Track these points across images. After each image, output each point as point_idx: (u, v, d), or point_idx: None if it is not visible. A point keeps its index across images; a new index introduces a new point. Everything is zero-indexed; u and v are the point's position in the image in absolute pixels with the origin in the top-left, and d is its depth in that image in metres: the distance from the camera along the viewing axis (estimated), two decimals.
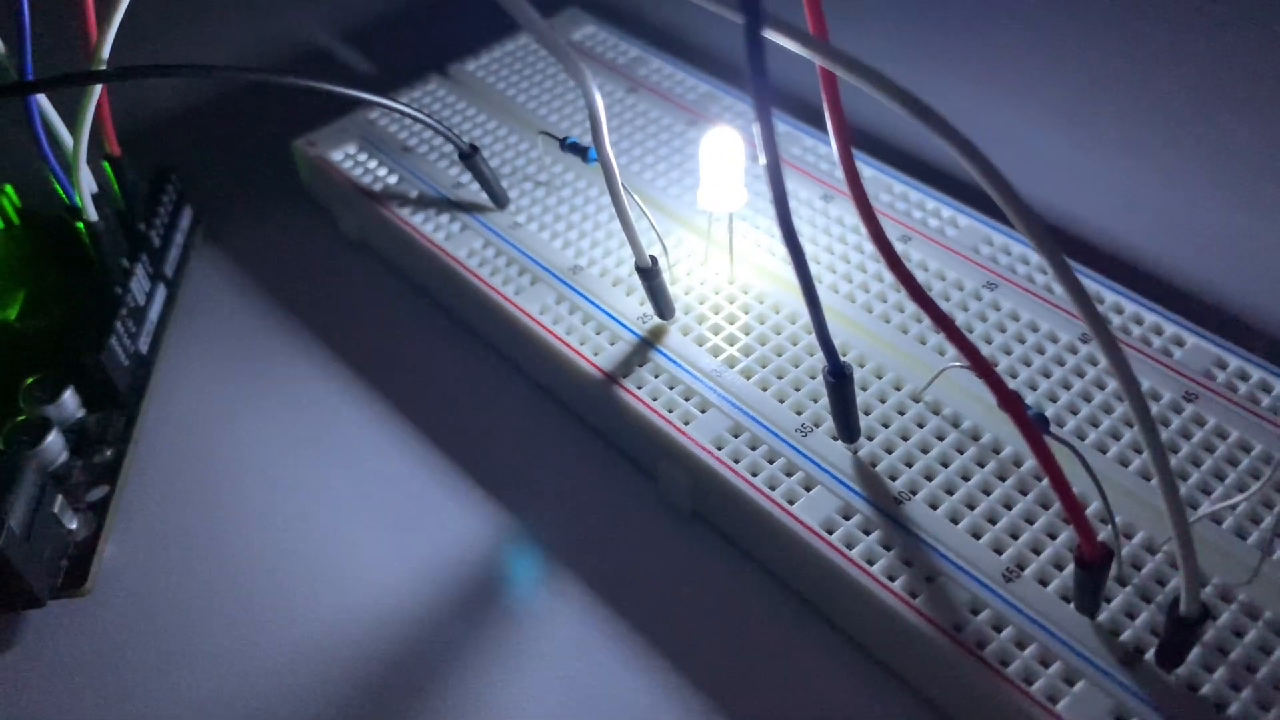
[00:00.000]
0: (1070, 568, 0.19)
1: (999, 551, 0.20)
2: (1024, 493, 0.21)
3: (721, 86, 0.30)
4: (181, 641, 0.21)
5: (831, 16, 0.16)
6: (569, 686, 0.20)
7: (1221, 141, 0.30)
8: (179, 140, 0.33)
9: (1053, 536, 0.20)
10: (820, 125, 0.20)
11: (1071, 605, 0.19)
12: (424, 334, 0.27)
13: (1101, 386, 0.22)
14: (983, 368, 0.17)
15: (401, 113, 0.26)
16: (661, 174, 0.28)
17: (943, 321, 0.17)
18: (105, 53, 0.21)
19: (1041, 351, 0.23)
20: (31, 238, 0.28)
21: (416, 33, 0.36)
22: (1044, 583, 0.19)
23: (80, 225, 0.24)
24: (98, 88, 0.22)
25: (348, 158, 0.29)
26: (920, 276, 0.25)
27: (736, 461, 0.21)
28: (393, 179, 0.28)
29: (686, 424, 0.22)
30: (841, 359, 0.20)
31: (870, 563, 0.20)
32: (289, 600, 0.22)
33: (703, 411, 0.22)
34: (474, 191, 0.27)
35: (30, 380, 0.24)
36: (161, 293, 0.27)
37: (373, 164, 0.29)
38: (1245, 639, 0.18)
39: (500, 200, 0.27)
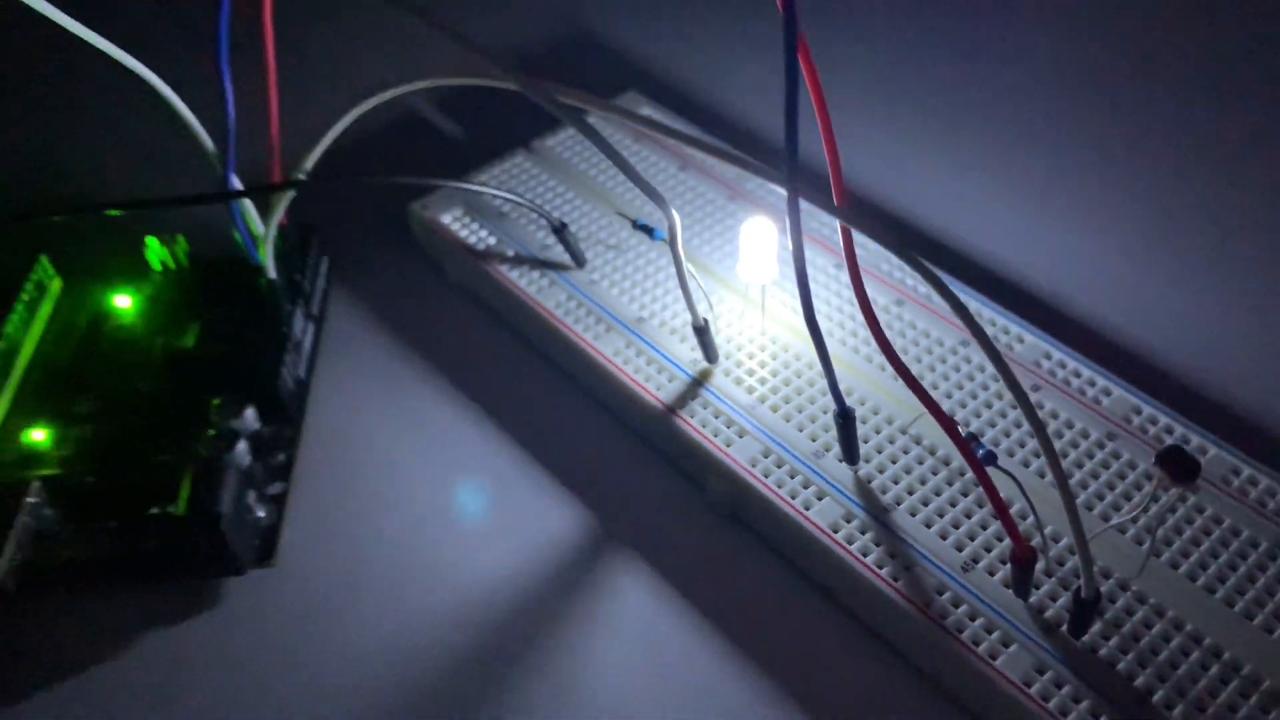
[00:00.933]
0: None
1: (959, 549, 0.27)
2: (980, 507, 0.28)
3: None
4: (346, 603, 0.28)
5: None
6: (635, 648, 0.27)
7: (1162, 225, 0.37)
8: (312, 197, 0.39)
9: (1000, 539, 0.27)
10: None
11: (1010, 590, 0.26)
12: (514, 364, 0.34)
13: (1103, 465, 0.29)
14: (941, 418, 0.23)
15: (505, 198, 0.33)
16: (706, 241, 0.35)
17: (910, 380, 0.24)
18: (310, 163, 0.28)
19: (1001, 397, 0.30)
20: (200, 279, 0.35)
21: (501, 104, 0.43)
22: (991, 573, 0.26)
23: (263, 281, 0.31)
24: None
25: (455, 220, 0.36)
26: (909, 333, 0.32)
27: (766, 476, 0.28)
28: (492, 240, 0.35)
29: (729, 446, 0.29)
30: (846, 402, 0.27)
31: (865, 555, 0.27)
32: (423, 572, 0.29)
33: (740, 437, 0.29)
34: (558, 253, 0.34)
35: (217, 401, 0.31)
36: (311, 328, 0.34)
37: (475, 226, 0.36)
38: (1134, 617, 0.25)
39: (580, 261, 0.34)
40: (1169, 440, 0.29)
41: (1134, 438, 0.29)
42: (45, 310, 0.35)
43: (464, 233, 0.35)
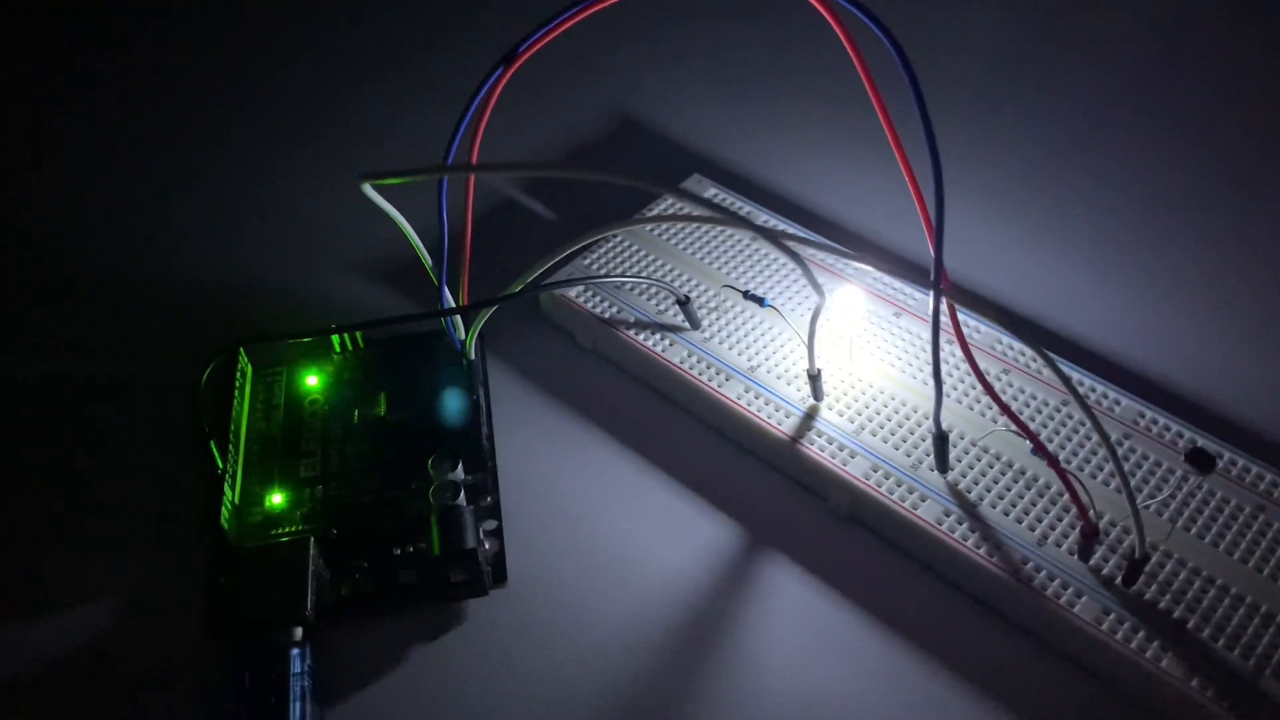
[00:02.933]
0: (1073, 536, 0.35)
1: (1031, 530, 0.36)
2: (1041, 497, 0.37)
3: (803, 231, 0.46)
4: (564, 609, 0.36)
5: None
6: (792, 624, 0.36)
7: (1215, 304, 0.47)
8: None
9: (1060, 520, 0.36)
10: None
11: (1075, 556, 0.35)
12: (649, 409, 0.42)
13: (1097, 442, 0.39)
14: (1036, 442, 0.33)
15: (641, 282, 0.41)
16: (787, 299, 0.44)
17: (1006, 409, 0.33)
18: (523, 284, 0.36)
19: (1071, 417, 0.39)
20: (378, 357, 0.42)
21: (582, 187, 0.51)
22: (1058, 545, 0.35)
23: (466, 361, 0.39)
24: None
25: (579, 294, 0.44)
26: (959, 369, 0.41)
27: (880, 486, 0.37)
28: (614, 310, 0.43)
29: (845, 465, 0.38)
30: (943, 425, 0.36)
31: (965, 540, 0.36)
32: (617, 582, 0.37)
33: (852, 458, 0.38)
34: (669, 316, 0.43)
35: (431, 459, 0.38)
36: (484, 395, 0.41)
37: (596, 299, 0.44)
38: (1165, 569, 0.35)
39: (697, 325, 0.42)
40: (1167, 436, 0.38)
41: (1145, 436, 0.38)
42: (247, 392, 0.41)
43: (590, 305, 0.43)
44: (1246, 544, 0.35)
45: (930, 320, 0.31)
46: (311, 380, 0.42)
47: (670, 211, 0.47)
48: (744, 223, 0.32)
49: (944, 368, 0.41)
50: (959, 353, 0.35)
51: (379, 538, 0.37)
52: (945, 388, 0.40)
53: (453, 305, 0.38)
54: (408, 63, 0.60)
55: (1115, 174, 0.52)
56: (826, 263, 0.45)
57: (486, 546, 0.37)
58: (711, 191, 0.48)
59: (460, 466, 0.38)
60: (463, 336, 0.39)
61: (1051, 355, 0.32)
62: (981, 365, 0.41)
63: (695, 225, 0.46)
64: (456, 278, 0.38)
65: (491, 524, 0.38)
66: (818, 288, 0.34)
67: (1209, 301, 0.46)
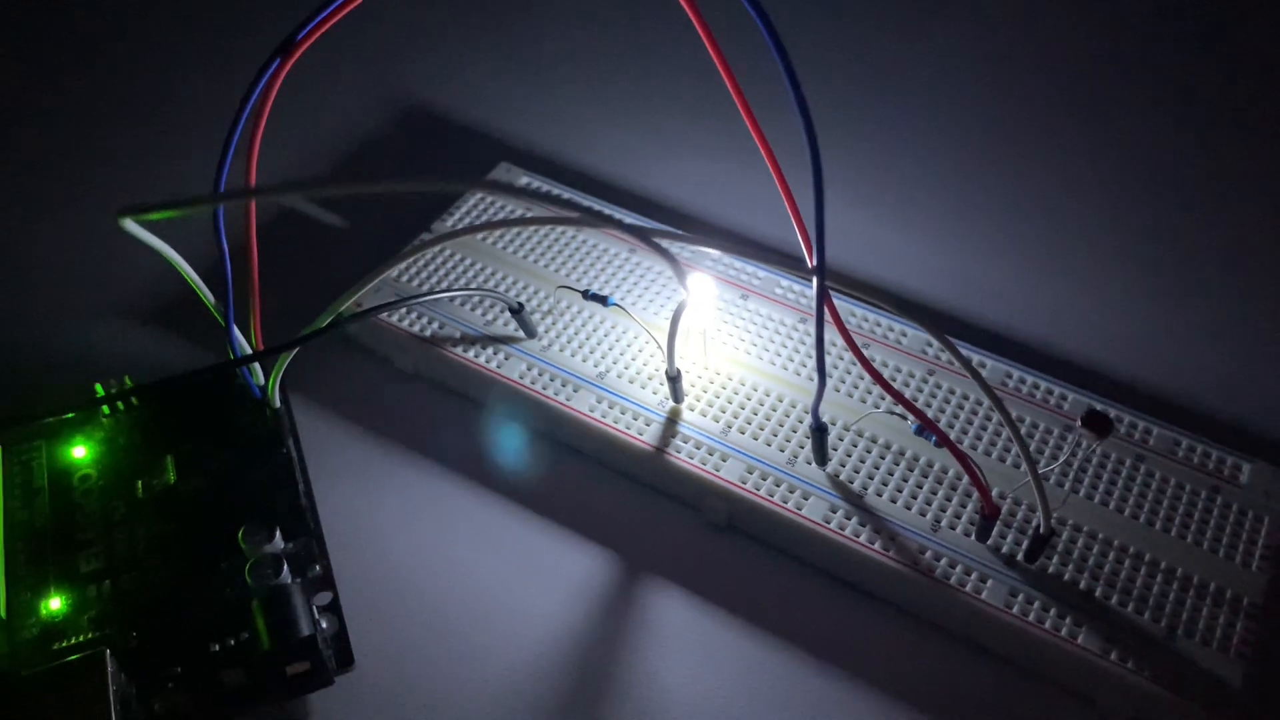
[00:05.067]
0: (966, 517, 0.33)
1: (923, 515, 0.33)
2: (925, 477, 0.34)
3: (626, 213, 0.42)
4: (428, 682, 0.31)
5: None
6: (685, 651, 0.32)
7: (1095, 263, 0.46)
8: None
9: (949, 500, 0.34)
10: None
11: (972, 538, 0.33)
12: (491, 433, 0.37)
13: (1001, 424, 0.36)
14: (929, 423, 0.30)
15: (465, 294, 0.36)
16: (628, 294, 0.39)
17: (895, 393, 0.30)
18: (317, 324, 0.30)
19: (940, 390, 0.37)
20: (158, 413, 0.36)
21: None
22: (952, 528, 0.33)
23: (269, 411, 0.33)
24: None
25: (392, 314, 0.38)
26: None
27: (758, 489, 0.34)
28: (435, 326, 0.38)
29: (718, 471, 0.34)
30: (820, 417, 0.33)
31: (856, 536, 0.33)
32: (484, 636, 0.32)
33: (724, 461, 0.35)
34: (499, 326, 0.38)
35: (242, 530, 0.32)
36: (294, 444, 0.35)
37: (413, 316, 0.38)
38: (1063, 536, 0.33)
39: (533, 333, 0.37)
40: (1038, 394, 0.37)
41: (1023, 401, 0.37)
42: None
43: (407, 324, 0.38)
44: (1135, 499, 0.34)
45: (814, 311, 0.28)
46: (78, 452, 0.35)
47: (501, 215, 0.42)
48: (605, 220, 0.28)
49: (804, 348, 0.38)
50: (831, 336, 0.32)
51: (191, 635, 0.31)
52: (809, 370, 0.37)
53: (247, 349, 0.32)
54: (165, 75, 0.52)
55: (953, 135, 0.50)
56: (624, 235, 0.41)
57: (324, 626, 0.31)
58: (524, 180, 0.44)
59: (278, 534, 0.32)
60: (262, 383, 0.33)
61: (952, 339, 0.29)
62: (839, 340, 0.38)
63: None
64: (246, 314, 0.32)
65: (325, 597, 0.32)
66: (685, 284, 0.30)
67: (1070, 257, 0.45)
